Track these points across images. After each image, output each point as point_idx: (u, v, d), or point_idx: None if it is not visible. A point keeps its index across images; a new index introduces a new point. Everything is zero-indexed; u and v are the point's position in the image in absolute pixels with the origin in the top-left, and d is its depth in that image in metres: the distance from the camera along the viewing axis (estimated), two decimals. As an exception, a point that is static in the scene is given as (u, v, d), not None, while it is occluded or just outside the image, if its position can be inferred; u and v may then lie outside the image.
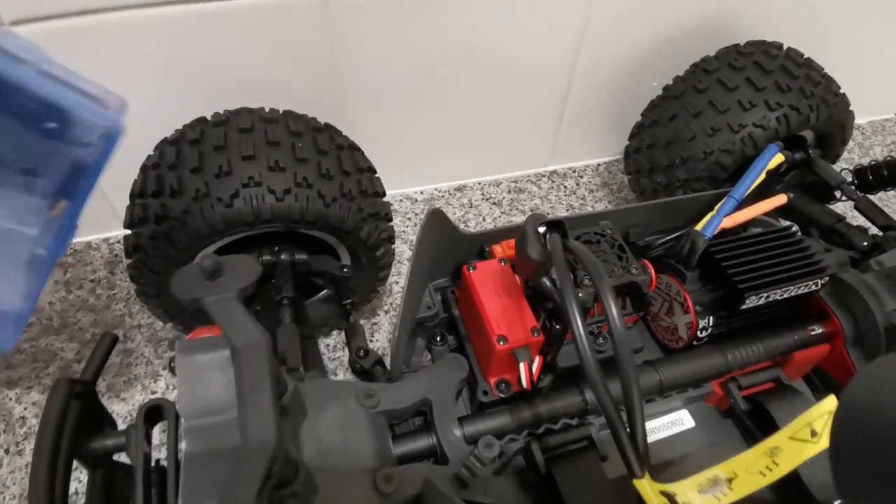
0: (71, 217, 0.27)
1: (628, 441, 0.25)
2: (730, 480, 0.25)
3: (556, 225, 0.28)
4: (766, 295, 0.37)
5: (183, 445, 0.24)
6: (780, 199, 0.44)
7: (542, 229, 0.29)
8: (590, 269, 0.25)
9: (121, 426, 0.29)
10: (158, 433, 0.32)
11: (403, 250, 0.62)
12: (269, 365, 0.23)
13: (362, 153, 0.46)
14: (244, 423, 0.22)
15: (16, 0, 0.41)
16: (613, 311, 0.23)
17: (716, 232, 0.40)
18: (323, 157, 0.41)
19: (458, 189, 0.69)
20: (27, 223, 0.25)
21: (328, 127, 0.45)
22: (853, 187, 0.50)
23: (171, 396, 0.50)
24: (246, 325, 0.24)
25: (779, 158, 0.43)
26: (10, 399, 0.50)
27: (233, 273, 0.25)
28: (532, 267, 0.30)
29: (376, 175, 0.46)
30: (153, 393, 0.50)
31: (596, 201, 0.69)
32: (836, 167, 0.52)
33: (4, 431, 0.48)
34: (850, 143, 0.76)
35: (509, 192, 0.69)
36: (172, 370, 0.27)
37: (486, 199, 0.68)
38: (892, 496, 0.16)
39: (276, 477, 0.22)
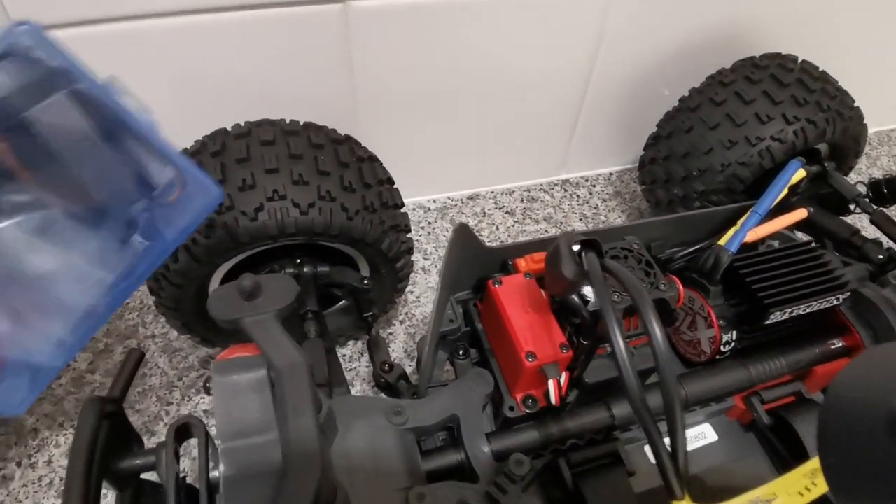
0: (138, 279, 0.27)
1: (669, 461, 0.25)
2: (769, 501, 0.25)
3: (590, 243, 0.28)
4: (790, 310, 0.37)
5: (221, 468, 0.24)
6: (801, 214, 0.44)
7: (576, 247, 0.28)
8: (630, 290, 0.25)
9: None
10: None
11: (417, 259, 0.62)
12: (310, 386, 0.23)
13: (381, 165, 0.46)
14: (288, 446, 0.21)
15: (31, 8, 0.40)
16: (657, 330, 0.23)
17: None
18: (345, 169, 0.41)
19: (471, 198, 0.69)
20: (105, 268, 0.25)
21: (348, 139, 0.45)
22: (867, 200, 0.50)
23: (186, 408, 0.50)
24: (285, 346, 0.24)
25: (801, 174, 0.44)
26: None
27: (271, 293, 0.25)
28: (565, 284, 0.30)
29: (395, 187, 0.46)
30: (168, 404, 0.50)
31: (609, 210, 0.69)
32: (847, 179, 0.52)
33: (16, 444, 0.47)
34: (858, 154, 0.77)
35: (522, 200, 0.69)
36: (207, 390, 0.27)
37: (499, 208, 0.68)
38: (876, 486, 0.16)
39: (323, 500, 0.21)
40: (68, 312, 0.25)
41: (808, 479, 0.24)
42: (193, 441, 0.27)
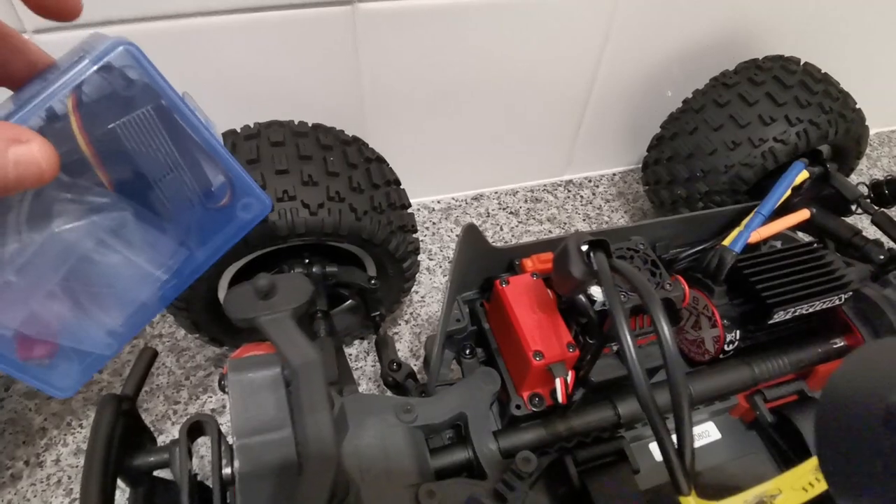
0: (185, 279, 0.28)
1: (676, 458, 0.25)
2: (773, 497, 0.25)
3: (599, 244, 0.29)
4: (793, 310, 0.38)
5: (236, 464, 0.24)
6: (804, 215, 0.45)
7: (584, 247, 0.29)
8: (640, 290, 0.25)
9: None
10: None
11: (421, 260, 0.62)
12: (325, 384, 0.23)
13: (389, 166, 0.46)
14: (305, 442, 0.22)
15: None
16: (666, 330, 0.24)
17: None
18: (353, 170, 0.41)
19: (475, 198, 0.69)
20: (163, 269, 0.26)
21: (356, 140, 0.45)
22: (868, 201, 0.50)
23: (194, 407, 0.50)
24: (301, 345, 0.24)
25: (804, 175, 0.44)
26: (30, 410, 0.50)
27: (286, 292, 0.25)
28: (572, 284, 0.30)
29: (402, 187, 0.46)
30: (175, 403, 0.50)
31: (612, 211, 0.69)
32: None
33: (24, 443, 0.48)
34: (858, 155, 0.77)
35: (526, 201, 0.69)
36: (223, 388, 0.27)
37: (503, 209, 0.68)
38: (873, 479, 0.16)
39: (338, 496, 0.22)
40: (124, 307, 0.26)
41: (812, 474, 0.25)
42: (202, 440, 0.28)
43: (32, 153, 0.18)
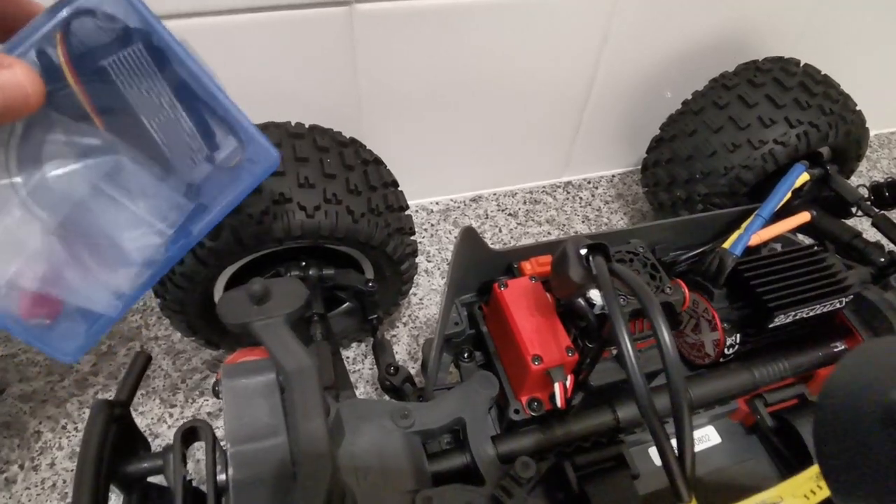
0: (194, 238, 0.27)
1: (676, 464, 0.25)
2: (775, 504, 0.25)
3: (598, 248, 0.28)
4: (794, 313, 0.38)
5: (230, 471, 0.24)
6: (804, 217, 0.44)
7: (583, 251, 0.29)
8: (639, 294, 0.25)
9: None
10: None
11: (419, 262, 0.62)
12: (320, 391, 0.23)
13: (386, 167, 0.46)
14: (299, 450, 0.21)
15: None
16: (666, 334, 0.24)
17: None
18: (350, 172, 0.41)
19: (474, 200, 0.69)
20: (166, 223, 0.25)
21: (353, 141, 0.45)
22: (869, 203, 0.50)
23: (190, 411, 0.50)
24: (295, 350, 0.24)
25: (804, 177, 0.44)
26: (25, 413, 0.49)
27: (280, 297, 0.25)
28: (571, 288, 0.30)
29: (399, 189, 0.46)
30: (171, 406, 0.50)
31: (611, 213, 0.69)
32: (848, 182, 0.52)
33: (19, 446, 0.47)
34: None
35: (525, 203, 0.69)
36: (216, 393, 0.27)
37: (502, 210, 0.68)
38: (871, 478, 0.16)
39: (333, 505, 0.21)
40: (128, 263, 0.25)
41: (814, 482, 0.25)
42: (198, 444, 0.27)
43: (16, 77, 0.18)
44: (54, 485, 0.46)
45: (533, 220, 0.67)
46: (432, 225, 0.66)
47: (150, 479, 0.29)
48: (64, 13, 0.21)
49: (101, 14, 0.21)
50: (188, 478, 0.27)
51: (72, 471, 0.46)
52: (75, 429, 0.49)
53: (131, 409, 0.49)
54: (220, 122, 0.25)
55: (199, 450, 0.43)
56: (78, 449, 0.46)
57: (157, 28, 0.23)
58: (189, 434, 0.28)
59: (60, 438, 0.48)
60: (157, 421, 0.49)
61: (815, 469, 0.26)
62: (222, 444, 0.26)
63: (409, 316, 0.57)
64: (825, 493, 0.25)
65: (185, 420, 0.48)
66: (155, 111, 0.24)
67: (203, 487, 0.26)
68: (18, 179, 0.22)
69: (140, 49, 0.22)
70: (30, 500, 0.45)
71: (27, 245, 0.23)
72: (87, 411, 0.49)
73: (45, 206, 0.22)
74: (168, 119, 0.24)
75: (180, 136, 0.24)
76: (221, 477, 0.25)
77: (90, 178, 0.23)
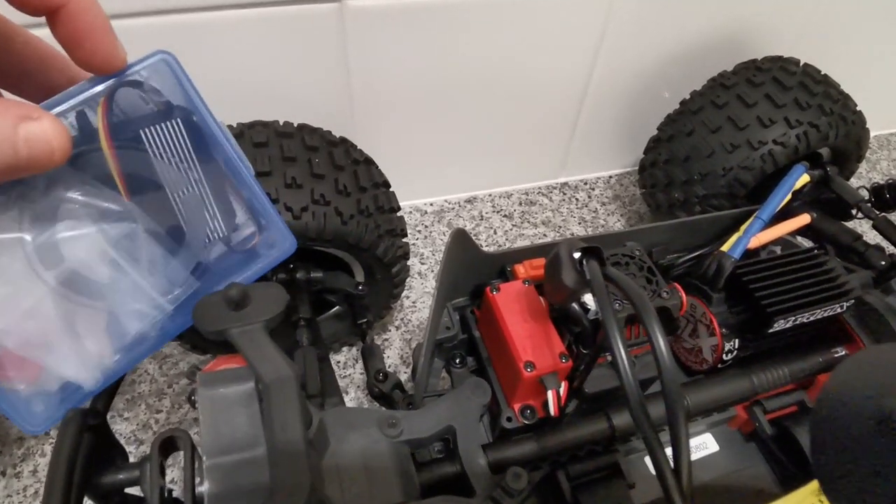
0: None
1: (672, 477, 0.24)
2: (775, 519, 0.24)
3: (592, 251, 0.27)
4: (793, 318, 0.37)
5: (206, 485, 0.23)
6: (804, 219, 0.43)
7: (577, 255, 0.28)
8: (633, 300, 0.24)
9: (125, 445, 0.28)
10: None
11: (413, 264, 0.61)
12: (299, 401, 0.22)
13: (377, 168, 0.45)
14: (276, 465, 0.20)
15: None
16: (661, 343, 0.23)
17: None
18: (339, 172, 0.40)
19: (469, 201, 0.68)
20: (168, 298, 0.24)
21: (343, 141, 0.44)
22: (869, 205, 0.49)
23: (176, 416, 0.49)
24: (274, 359, 0.23)
25: (804, 179, 0.43)
26: (7, 419, 0.48)
27: (259, 302, 0.24)
28: (565, 293, 0.29)
29: (391, 190, 0.45)
30: (157, 412, 0.49)
31: (608, 214, 0.68)
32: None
33: (1, 453, 0.46)
34: (858, 158, 0.76)
35: (520, 204, 0.68)
36: (192, 403, 0.26)
37: (497, 212, 0.67)
38: (867, 485, 0.16)
39: (310, 523, 0.20)
40: (118, 334, 0.24)
41: (815, 496, 0.24)
42: (179, 453, 0.26)
43: (44, 129, 0.18)
44: (37, 492, 0.44)
45: (528, 222, 0.66)
46: (426, 226, 0.65)
47: (128, 490, 0.28)
48: (112, 81, 0.21)
49: (148, 87, 0.22)
50: (167, 488, 0.26)
51: (54, 478, 0.45)
52: (58, 435, 0.47)
53: (118, 415, 0.48)
54: (242, 203, 0.25)
55: (181, 458, 0.42)
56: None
57: (200, 108, 0.23)
58: (167, 444, 0.27)
59: (43, 445, 0.47)
60: (142, 427, 0.48)
61: (815, 484, 0.25)
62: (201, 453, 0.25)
63: (402, 319, 0.56)
64: (827, 507, 0.24)
65: (170, 426, 0.47)
66: (181, 186, 0.23)
67: (183, 498, 0.25)
68: (28, 237, 0.21)
69: (178, 123, 0.23)
70: (11, 509, 0.44)
71: (21, 303, 0.22)
72: (71, 417, 0.48)
73: (50, 265, 0.22)
74: (192, 196, 0.24)
75: (201, 214, 0.24)
76: (200, 489, 0.24)
77: (101, 244, 0.23)
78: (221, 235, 0.25)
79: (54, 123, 0.18)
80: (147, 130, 0.22)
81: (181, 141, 0.23)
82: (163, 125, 0.22)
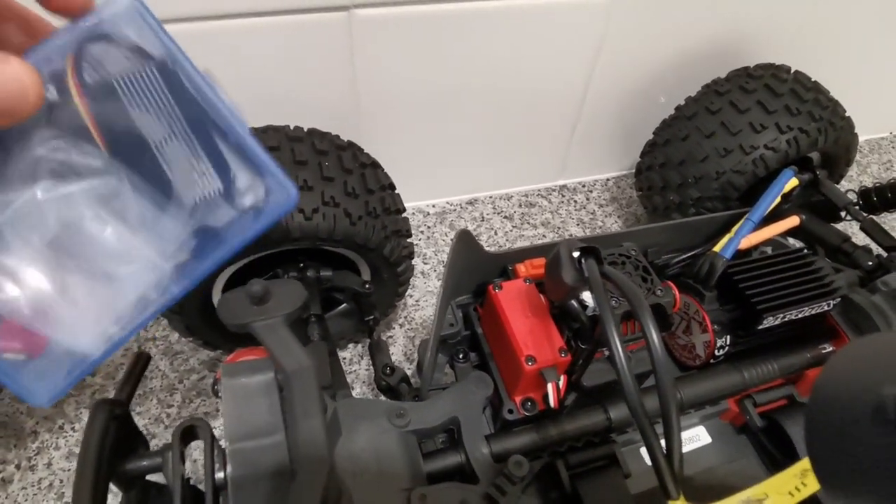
0: (196, 279, 0.24)
1: (665, 462, 0.25)
2: (760, 501, 0.26)
3: (590, 250, 0.29)
4: (782, 315, 0.38)
5: (228, 469, 0.24)
6: (794, 221, 0.45)
7: (576, 254, 0.29)
8: (628, 296, 0.26)
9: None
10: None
11: (416, 264, 0.62)
12: (318, 390, 0.23)
13: (383, 170, 0.46)
14: (297, 448, 0.22)
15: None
16: (654, 337, 0.24)
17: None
18: (348, 175, 0.41)
19: (470, 203, 0.70)
20: (166, 258, 0.23)
21: (351, 145, 0.45)
22: (857, 208, 0.51)
23: (187, 411, 0.50)
24: (294, 351, 0.24)
25: (793, 182, 0.45)
26: (22, 413, 0.50)
27: (279, 297, 0.25)
28: (565, 290, 0.30)
29: (396, 192, 0.46)
30: (169, 407, 0.50)
31: (606, 216, 0.70)
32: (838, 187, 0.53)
33: (16, 446, 0.48)
34: (849, 161, 0.78)
35: (520, 206, 0.70)
36: (216, 392, 0.27)
37: (498, 213, 0.69)
38: (862, 475, 0.16)
39: (330, 501, 0.22)
40: (120, 300, 0.23)
41: (798, 479, 0.25)
42: (196, 443, 0.28)
43: (15, 70, 0.17)
44: (51, 485, 0.46)
45: (528, 223, 0.68)
46: (429, 227, 0.67)
47: (149, 477, 0.29)
48: (80, 30, 0.20)
49: (119, 35, 0.20)
50: (186, 476, 0.27)
51: (68, 471, 0.46)
52: (72, 429, 0.49)
53: (130, 410, 0.50)
54: (236, 155, 0.23)
55: (197, 449, 0.43)
56: (75, 449, 0.47)
57: (176, 54, 0.21)
58: (188, 433, 0.28)
59: (58, 438, 0.48)
60: (154, 421, 0.49)
61: (799, 466, 0.26)
62: (220, 442, 0.26)
63: (406, 317, 0.58)
64: (809, 489, 0.26)
65: (181, 420, 0.48)
66: (164, 138, 0.22)
67: (201, 486, 0.26)
68: (7, 198, 0.20)
69: (153, 71, 0.21)
70: (26, 500, 0.45)
71: (9, 270, 0.21)
72: (85, 412, 0.49)
73: (33, 228, 0.21)
74: (177, 147, 0.22)
75: (188, 167, 0.22)
76: (219, 475, 0.26)
77: (84, 202, 0.21)
78: (218, 191, 0.23)
79: (24, 64, 0.17)
80: (121, 81, 0.21)
81: (159, 90, 0.21)
82: (137, 74, 0.21)
